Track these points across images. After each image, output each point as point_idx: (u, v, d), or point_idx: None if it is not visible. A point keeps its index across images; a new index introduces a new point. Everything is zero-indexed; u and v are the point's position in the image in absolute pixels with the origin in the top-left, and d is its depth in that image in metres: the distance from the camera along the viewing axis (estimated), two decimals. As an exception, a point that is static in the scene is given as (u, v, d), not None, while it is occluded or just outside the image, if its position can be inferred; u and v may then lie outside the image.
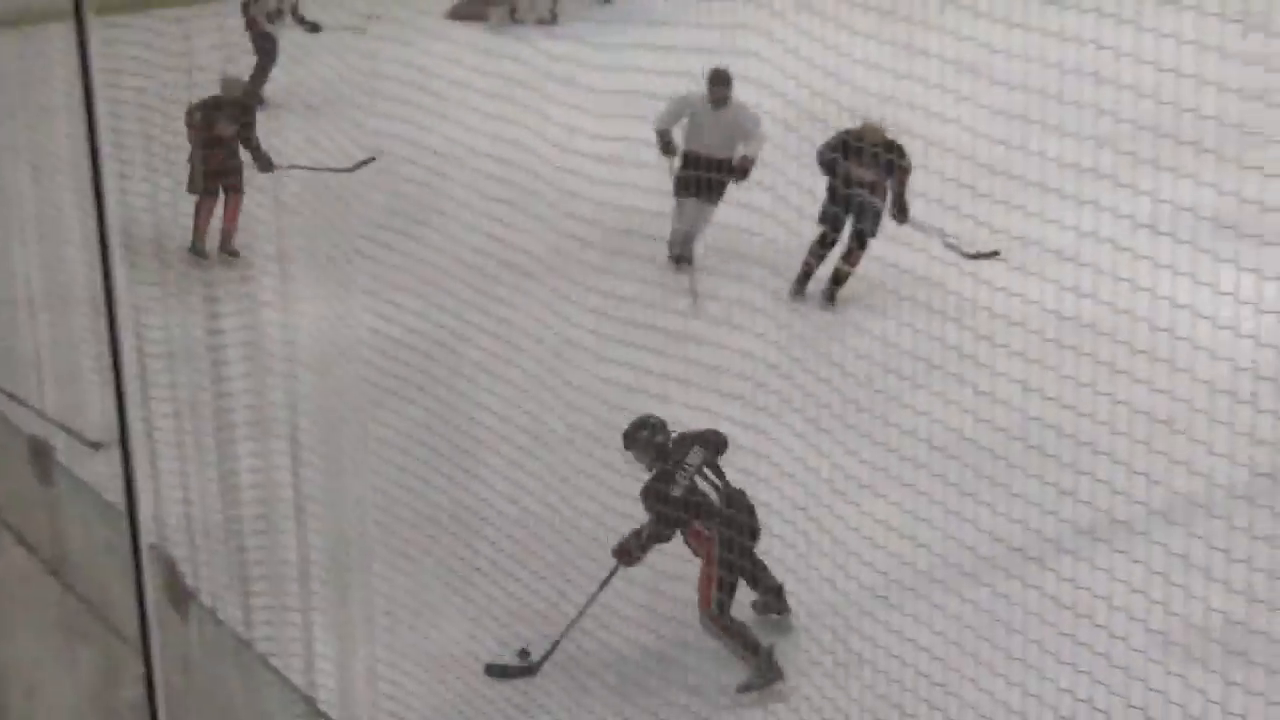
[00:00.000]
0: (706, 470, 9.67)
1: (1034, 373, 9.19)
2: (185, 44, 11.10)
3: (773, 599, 9.84)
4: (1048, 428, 9.24)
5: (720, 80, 14.05)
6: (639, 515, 9.57)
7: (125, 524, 5.84)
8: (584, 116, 10.83)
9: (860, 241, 13.92)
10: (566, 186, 10.94)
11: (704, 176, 13.70)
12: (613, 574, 9.58)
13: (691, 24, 10.29)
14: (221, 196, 14.52)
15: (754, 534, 9.58)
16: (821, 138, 12.78)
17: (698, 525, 9.51)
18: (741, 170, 13.76)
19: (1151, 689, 7.96)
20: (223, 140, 14.39)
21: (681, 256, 14.39)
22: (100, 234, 5.49)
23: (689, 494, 9.58)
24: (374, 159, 13.19)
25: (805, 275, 14.04)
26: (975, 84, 9.14)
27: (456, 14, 21.86)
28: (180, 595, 9.31)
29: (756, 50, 9.81)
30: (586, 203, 11.14)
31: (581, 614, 9.54)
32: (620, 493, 9.67)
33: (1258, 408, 8.26)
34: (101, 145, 5.42)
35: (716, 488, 9.64)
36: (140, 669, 5.99)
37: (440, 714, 9.42)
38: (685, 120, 14.33)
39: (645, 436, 9.77)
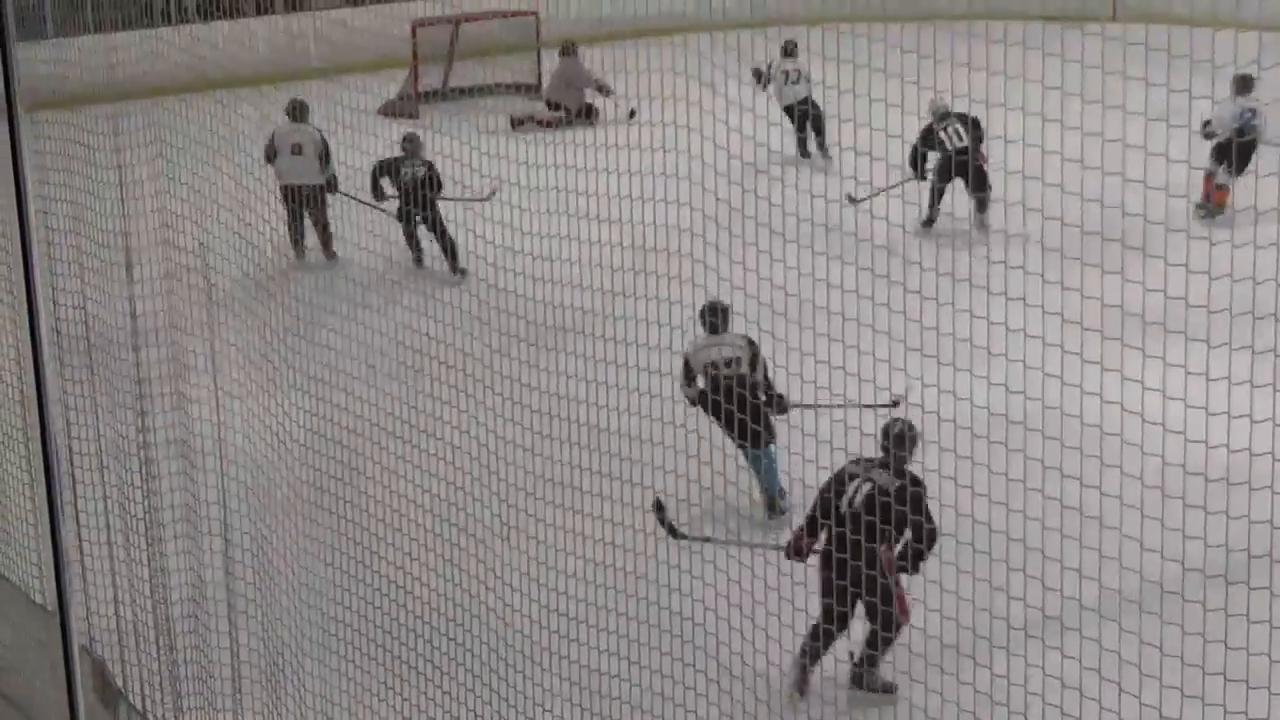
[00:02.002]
0: (873, 477, 9.70)
1: (964, 469, 9.23)
2: (115, 140, 11.09)
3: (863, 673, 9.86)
4: (979, 524, 9.26)
5: None
6: (583, 606, 9.56)
7: (55, 623, 5.80)
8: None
9: None
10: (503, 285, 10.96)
11: None
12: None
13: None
14: None
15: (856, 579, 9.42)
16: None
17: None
18: None
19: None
20: None
21: None
22: (31, 332, 5.45)
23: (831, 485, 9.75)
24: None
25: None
26: (904, 188, 9.22)
27: (386, 111, 21.95)
28: (111, 695, 9.24)
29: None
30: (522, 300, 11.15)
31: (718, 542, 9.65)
32: (557, 591, 9.66)
33: (1187, 503, 8.31)
34: (33, 242, 5.40)
35: (850, 501, 9.67)
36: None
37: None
38: None
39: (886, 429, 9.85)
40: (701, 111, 9.92)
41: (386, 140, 12.84)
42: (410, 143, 17.46)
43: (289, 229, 17.93)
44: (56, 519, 5.61)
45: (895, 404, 10.36)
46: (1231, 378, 7.84)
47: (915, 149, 17.99)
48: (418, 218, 17.34)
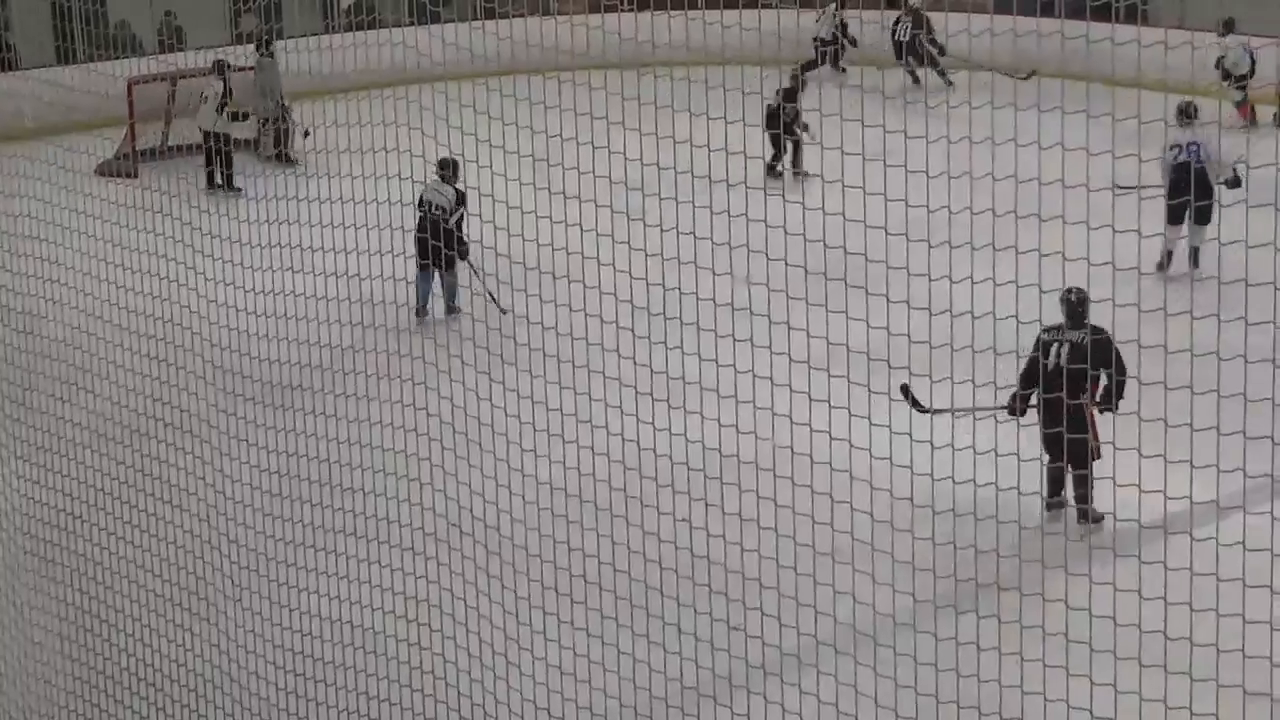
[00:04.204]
0: (1066, 338, 11.62)
1: (695, 510, 9.28)
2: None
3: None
4: (714, 564, 9.30)
5: None
6: (320, 665, 9.41)
7: None
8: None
9: None
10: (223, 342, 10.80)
11: None
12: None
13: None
14: None
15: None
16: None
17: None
18: None
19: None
20: None
21: None
22: None
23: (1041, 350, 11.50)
24: None
25: None
26: (630, 227, 9.26)
27: (103, 171, 21.50)
28: None
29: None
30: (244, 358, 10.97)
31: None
32: (293, 651, 9.51)
33: (916, 535, 8.44)
34: None
35: (1059, 360, 11.37)
36: None
37: None
38: None
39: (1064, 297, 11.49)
40: (418, 161, 9.93)
41: (104, 200, 12.50)
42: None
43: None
44: None
45: None
46: (955, 412, 7.99)
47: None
48: None
